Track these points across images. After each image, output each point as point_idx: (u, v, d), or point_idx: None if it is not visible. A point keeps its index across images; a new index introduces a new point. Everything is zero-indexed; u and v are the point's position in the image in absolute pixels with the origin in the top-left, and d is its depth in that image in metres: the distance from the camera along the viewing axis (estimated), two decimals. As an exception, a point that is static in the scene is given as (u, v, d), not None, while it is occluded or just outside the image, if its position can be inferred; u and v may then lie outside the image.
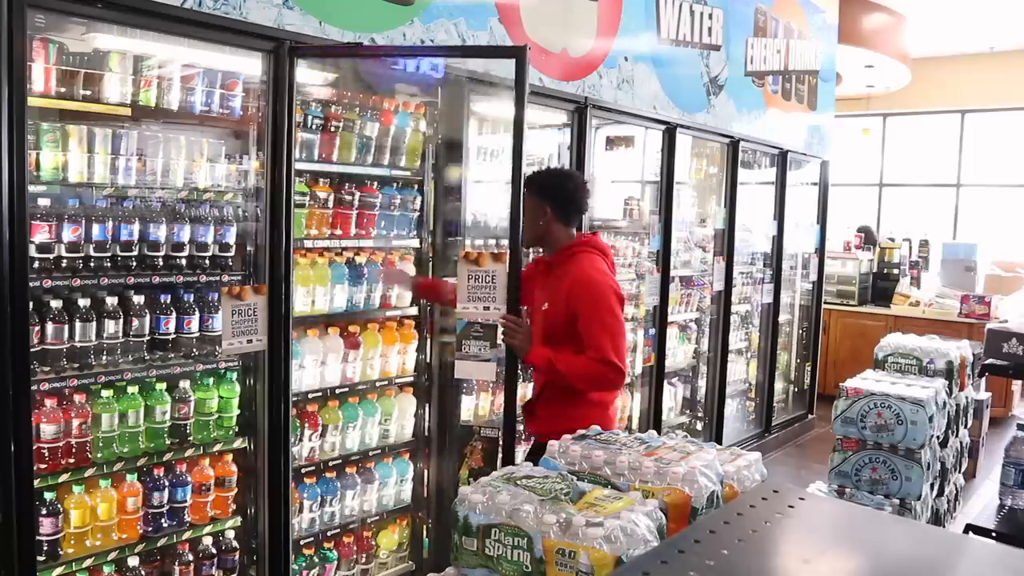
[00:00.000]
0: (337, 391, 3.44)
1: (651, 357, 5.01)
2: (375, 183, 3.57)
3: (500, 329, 2.80)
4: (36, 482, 2.48)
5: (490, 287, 2.82)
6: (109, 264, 2.72)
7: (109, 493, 2.75)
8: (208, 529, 3.00)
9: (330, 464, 3.41)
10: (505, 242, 4.08)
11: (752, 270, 6.25)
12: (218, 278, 3.01)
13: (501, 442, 2.96)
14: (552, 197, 2.98)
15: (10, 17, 2.21)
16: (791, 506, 1.37)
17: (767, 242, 6.41)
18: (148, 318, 2.83)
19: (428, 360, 3.81)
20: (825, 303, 7.66)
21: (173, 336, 2.89)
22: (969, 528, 2.97)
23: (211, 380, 3.01)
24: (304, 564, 3.34)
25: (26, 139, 2.29)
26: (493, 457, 3.13)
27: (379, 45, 3.18)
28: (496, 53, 3.47)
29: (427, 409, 3.83)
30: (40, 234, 2.52)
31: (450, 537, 1.45)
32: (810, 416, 7.26)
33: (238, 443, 3.08)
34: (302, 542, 3.33)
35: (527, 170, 4.50)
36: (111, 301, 2.74)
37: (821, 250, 7.22)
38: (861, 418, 3.28)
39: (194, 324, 2.94)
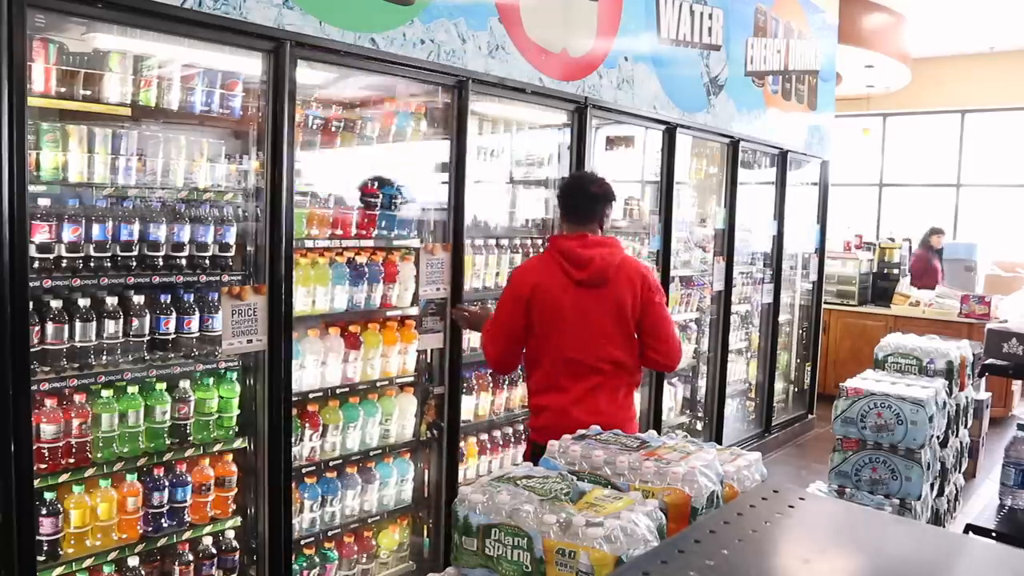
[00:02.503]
0: (338, 391, 3.44)
1: (651, 357, 5.00)
2: (375, 183, 3.57)
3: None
4: (36, 482, 2.48)
5: (439, 272, 3.58)
6: (109, 264, 2.72)
7: (109, 493, 2.75)
8: (208, 529, 3.00)
9: (331, 464, 3.41)
10: (506, 241, 4.11)
11: (752, 270, 6.25)
12: (218, 278, 3.00)
13: (447, 397, 3.71)
14: (558, 198, 3.17)
15: (10, 17, 2.21)
16: (791, 506, 1.37)
17: (767, 242, 6.41)
18: (148, 318, 2.83)
19: (429, 360, 3.80)
20: (825, 303, 7.66)
21: (173, 336, 2.89)
22: (969, 528, 2.97)
23: (211, 380, 3.01)
24: (305, 564, 3.34)
25: (26, 139, 2.30)
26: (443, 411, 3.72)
27: (378, 55, 3.16)
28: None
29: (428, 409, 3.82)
30: (40, 234, 2.52)
31: (450, 537, 1.45)
32: (810, 416, 7.26)
33: (238, 443, 3.08)
34: (303, 542, 3.33)
35: (527, 170, 4.55)
36: (111, 301, 2.74)
37: (821, 250, 7.22)
38: (861, 418, 3.28)
39: (194, 324, 2.94)
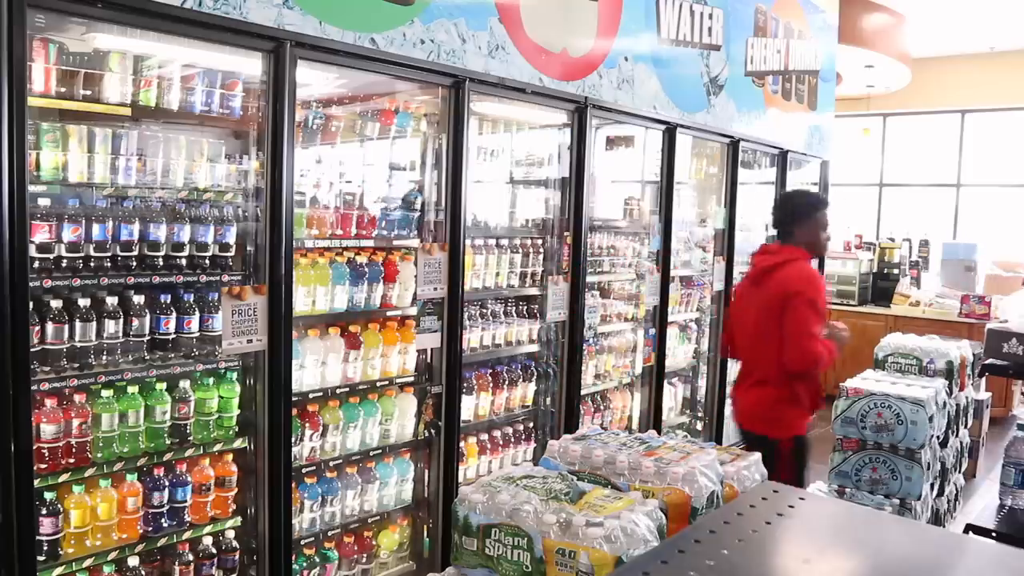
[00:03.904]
0: (338, 391, 3.44)
1: (651, 357, 5.01)
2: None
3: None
4: (36, 482, 2.48)
5: (437, 272, 3.52)
6: (109, 264, 2.72)
7: (109, 493, 2.75)
8: (208, 529, 3.00)
9: (331, 464, 3.41)
10: (506, 241, 4.11)
11: (752, 270, 6.23)
12: (218, 278, 3.00)
13: (444, 396, 3.65)
14: None
15: (10, 17, 2.21)
16: (791, 506, 1.37)
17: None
18: (148, 318, 2.83)
19: (428, 359, 3.80)
20: (825, 303, 7.64)
21: (173, 336, 2.89)
22: (969, 528, 2.97)
23: (211, 380, 3.01)
24: (305, 564, 3.34)
25: (26, 139, 2.29)
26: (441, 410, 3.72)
27: (377, 55, 3.16)
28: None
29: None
30: (40, 234, 2.52)
31: (450, 537, 1.45)
32: (810, 416, 7.24)
33: (238, 443, 3.08)
34: (303, 542, 3.33)
35: (527, 170, 4.54)
36: (111, 301, 2.74)
37: (821, 250, 7.20)
38: (861, 418, 3.28)
39: (194, 324, 2.94)
